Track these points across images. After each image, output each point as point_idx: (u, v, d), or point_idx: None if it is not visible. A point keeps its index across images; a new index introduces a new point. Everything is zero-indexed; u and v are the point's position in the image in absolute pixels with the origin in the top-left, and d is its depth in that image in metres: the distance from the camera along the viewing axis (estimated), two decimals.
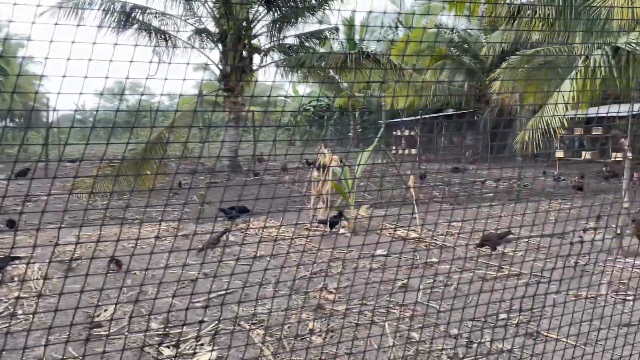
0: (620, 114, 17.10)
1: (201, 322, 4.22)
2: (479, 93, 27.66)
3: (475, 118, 29.01)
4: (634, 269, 6.12)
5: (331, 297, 5.07)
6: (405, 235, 7.68)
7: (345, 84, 31.38)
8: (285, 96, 41.65)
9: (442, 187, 15.13)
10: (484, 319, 4.45)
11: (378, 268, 5.96)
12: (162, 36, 16.82)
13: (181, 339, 4.00)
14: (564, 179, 15.21)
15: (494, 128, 24.11)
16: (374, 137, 37.05)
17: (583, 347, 3.88)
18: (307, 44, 17.70)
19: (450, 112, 29.14)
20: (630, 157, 6.88)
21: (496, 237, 6.52)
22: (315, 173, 8.28)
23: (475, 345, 4.00)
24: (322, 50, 19.67)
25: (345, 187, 8.36)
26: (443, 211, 9.26)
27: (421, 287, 5.31)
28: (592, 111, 19.00)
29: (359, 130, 41.66)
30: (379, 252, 6.86)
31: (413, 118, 28.42)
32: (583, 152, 18.58)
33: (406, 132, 29.86)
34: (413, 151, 27.10)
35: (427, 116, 28.51)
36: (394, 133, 31.39)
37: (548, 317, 4.46)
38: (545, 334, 4.19)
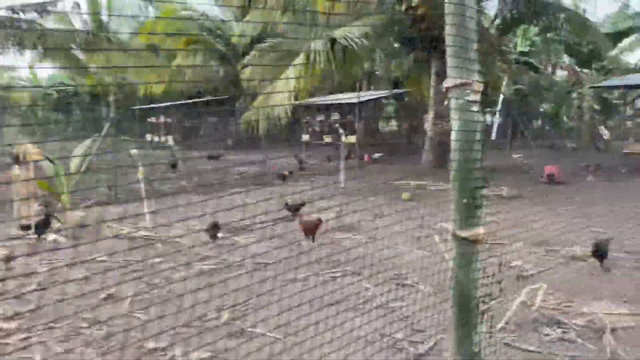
0: (350, 101, 18.78)
1: None
2: (234, 79, 27.79)
3: (237, 105, 29.25)
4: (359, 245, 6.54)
5: (8, 325, 4.08)
6: (131, 234, 6.97)
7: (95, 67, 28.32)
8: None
9: (193, 176, 14.67)
10: (193, 323, 4.09)
11: (82, 279, 5.13)
12: None
13: None
14: (307, 162, 16.25)
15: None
16: (131, 125, 34.53)
17: (284, 338, 3.80)
18: (25, 16, 15.03)
19: (208, 98, 28.69)
20: (344, 140, 7.36)
21: (210, 225, 6.34)
22: (16, 171, 6.87)
23: (168, 357, 3.58)
24: (58, 26, 17.09)
25: (59, 185, 7.16)
26: (183, 203, 8.80)
27: (130, 294, 4.72)
28: (330, 98, 20.76)
29: (117, 117, 38.32)
30: (95, 256, 6.02)
31: (169, 104, 27.19)
32: (324, 136, 20.16)
33: (162, 119, 28.49)
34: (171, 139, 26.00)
35: (183, 102, 27.63)
36: (149, 120, 29.69)
37: (259, 309, 4.32)
38: (251, 329, 4.01)
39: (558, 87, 28.09)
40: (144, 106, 28.57)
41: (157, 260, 5.90)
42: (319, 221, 6.19)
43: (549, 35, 15.24)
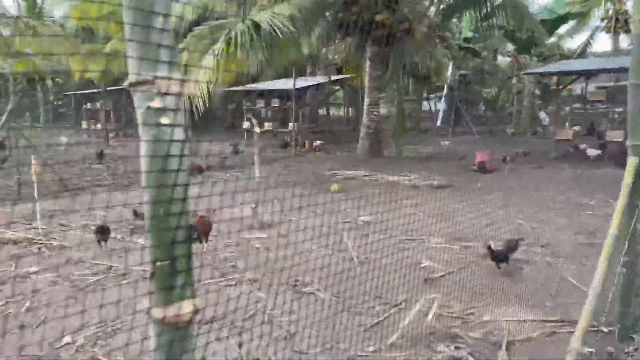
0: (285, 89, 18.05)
1: None
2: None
3: None
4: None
5: None
6: (17, 238, 6.25)
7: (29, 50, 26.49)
8: None
9: (119, 167, 13.78)
10: (40, 350, 3.51)
11: None
12: None
13: None
14: (242, 151, 15.61)
15: None
16: (68, 112, 32.70)
17: None
18: None
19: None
20: (257, 130, 6.85)
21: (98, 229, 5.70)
22: None
23: None
24: None
25: None
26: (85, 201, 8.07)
27: None
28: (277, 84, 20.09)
29: (55, 103, 36.22)
30: None
31: (98, 90, 25.74)
32: (266, 124, 19.50)
33: (98, 106, 26.95)
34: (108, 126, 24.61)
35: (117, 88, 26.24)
36: (84, 106, 28.07)
37: (128, 329, 3.79)
38: (104, 359, 3.46)
39: (501, 73, 28.35)
40: (74, 92, 26.98)
41: (32, 269, 5.23)
42: (200, 219, 5.66)
43: (489, 22, 14.98)
